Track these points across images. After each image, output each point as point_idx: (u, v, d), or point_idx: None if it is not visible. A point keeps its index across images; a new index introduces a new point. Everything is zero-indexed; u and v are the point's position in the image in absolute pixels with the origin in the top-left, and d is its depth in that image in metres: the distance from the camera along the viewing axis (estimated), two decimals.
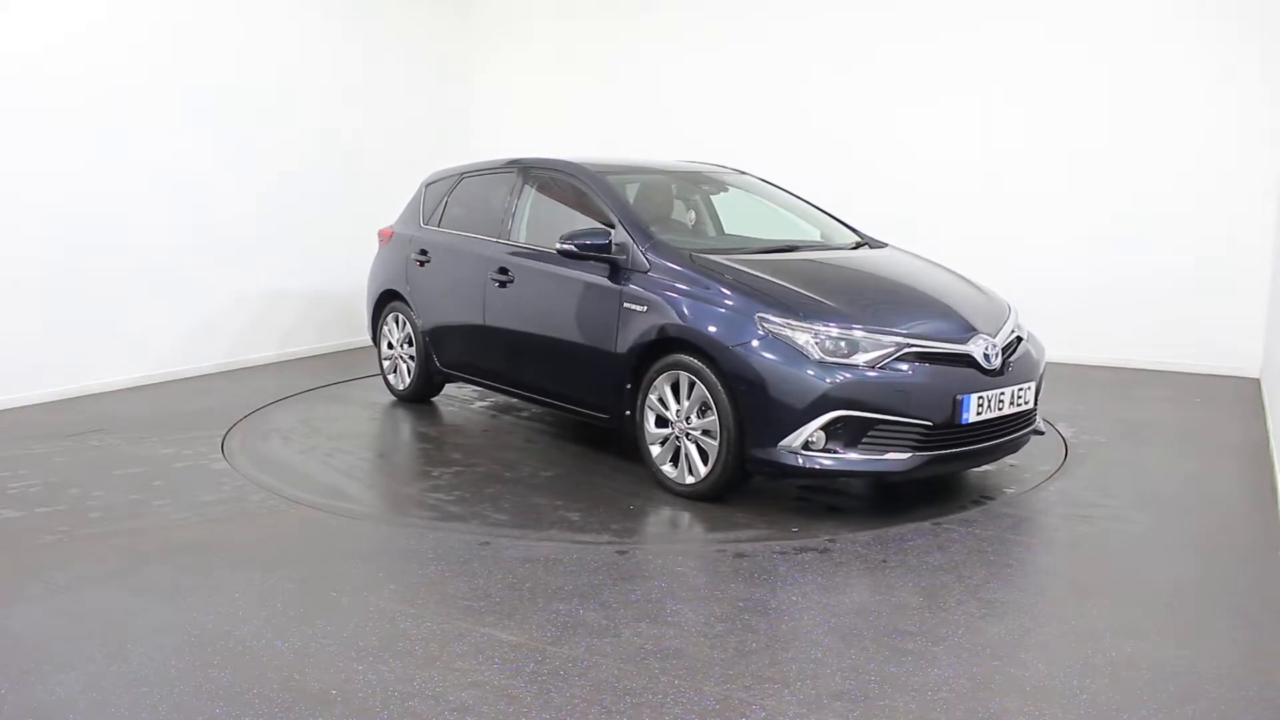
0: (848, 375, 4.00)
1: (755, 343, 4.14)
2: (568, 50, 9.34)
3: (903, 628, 3.14)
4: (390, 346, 6.52)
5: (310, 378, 7.11)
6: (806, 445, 4.03)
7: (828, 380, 3.99)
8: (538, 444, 5.48)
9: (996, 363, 4.25)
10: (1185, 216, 7.14)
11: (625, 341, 4.65)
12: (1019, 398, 4.33)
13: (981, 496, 4.48)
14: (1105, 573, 3.63)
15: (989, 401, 4.18)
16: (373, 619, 3.19)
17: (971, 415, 4.12)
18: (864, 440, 4.04)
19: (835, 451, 4.04)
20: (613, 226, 4.87)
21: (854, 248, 5.29)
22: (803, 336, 4.09)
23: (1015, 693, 2.74)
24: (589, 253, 4.82)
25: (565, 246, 4.86)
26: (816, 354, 4.05)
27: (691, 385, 4.35)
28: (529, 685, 2.76)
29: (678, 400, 4.43)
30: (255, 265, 7.59)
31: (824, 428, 4.00)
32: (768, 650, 2.99)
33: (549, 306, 5.19)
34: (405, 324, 6.32)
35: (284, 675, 2.81)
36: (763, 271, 4.53)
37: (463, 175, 6.26)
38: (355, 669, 2.85)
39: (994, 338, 4.32)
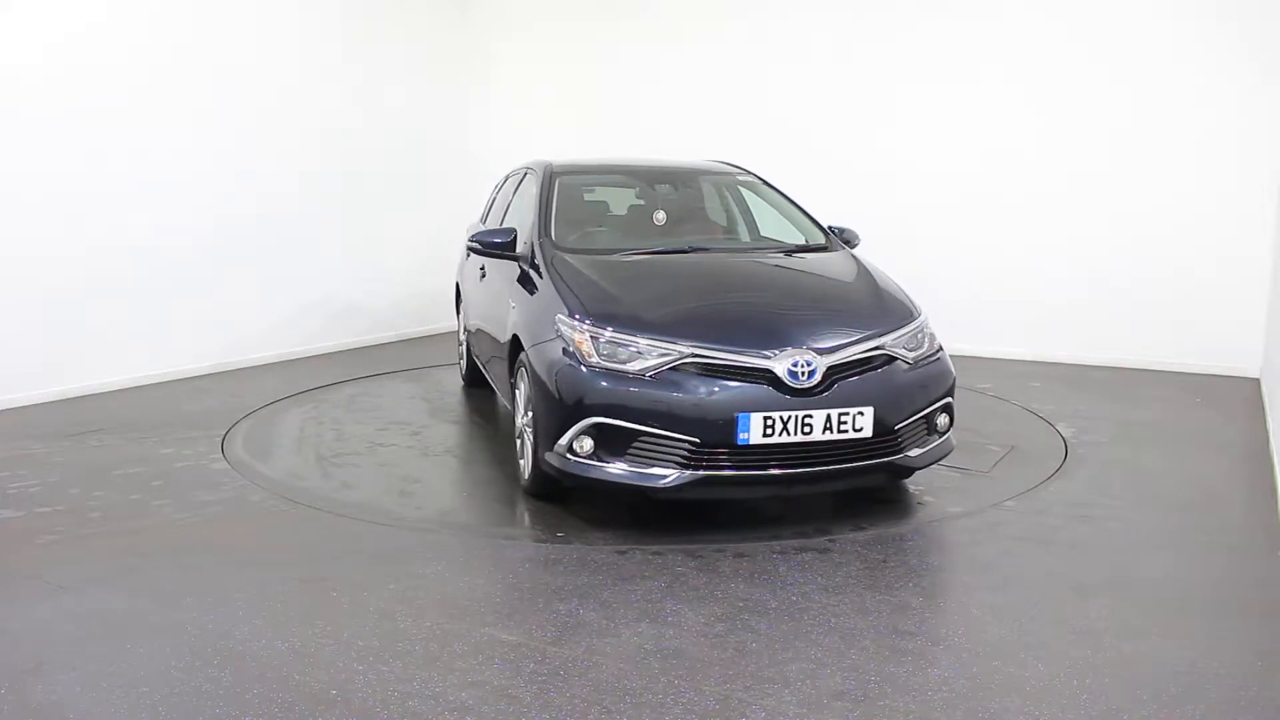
0: (613, 382, 3.85)
1: (548, 343, 4.12)
2: (570, 48, 9.33)
3: (903, 628, 3.14)
4: (461, 335, 6.92)
5: (312, 377, 7.10)
6: (571, 450, 3.92)
7: (589, 385, 3.86)
8: (504, 433, 5.62)
9: (808, 381, 3.81)
10: (1185, 216, 7.13)
11: (506, 337, 4.77)
12: (842, 423, 3.85)
13: (981, 497, 4.48)
14: (1105, 573, 3.62)
15: (783, 423, 3.76)
16: (373, 619, 3.19)
17: (754, 437, 3.74)
18: (629, 451, 3.83)
19: (600, 460, 3.88)
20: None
21: (796, 250, 5.01)
22: (583, 340, 3.98)
23: (1015, 693, 2.74)
24: (493, 251, 4.92)
25: (469, 244, 5.04)
26: (593, 358, 3.92)
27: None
28: (529, 685, 2.76)
29: None
30: (256, 265, 7.58)
31: (589, 435, 3.87)
32: (768, 650, 2.98)
33: (492, 301, 5.40)
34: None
35: (284, 675, 2.81)
36: (606, 273, 4.39)
37: (508, 176, 6.48)
38: (355, 669, 2.85)
39: (823, 353, 3.88)
